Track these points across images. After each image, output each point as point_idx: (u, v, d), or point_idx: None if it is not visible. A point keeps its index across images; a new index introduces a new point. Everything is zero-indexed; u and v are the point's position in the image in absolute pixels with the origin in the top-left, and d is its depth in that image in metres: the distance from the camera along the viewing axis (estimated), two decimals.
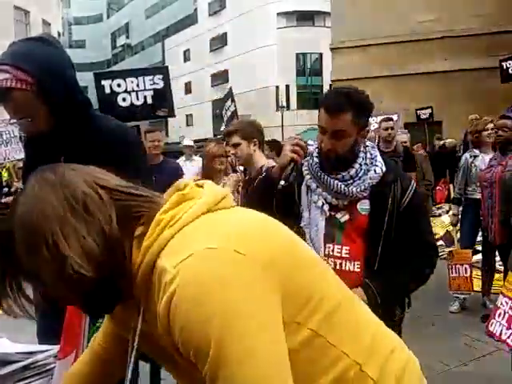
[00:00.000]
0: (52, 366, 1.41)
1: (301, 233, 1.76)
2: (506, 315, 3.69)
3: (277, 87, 31.29)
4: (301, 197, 1.82)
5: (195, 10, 39.03)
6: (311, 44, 29.77)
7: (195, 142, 8.50)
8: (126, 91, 3.95)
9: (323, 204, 1.76)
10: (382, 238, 1.70)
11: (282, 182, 1.69)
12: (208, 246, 0.75)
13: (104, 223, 0.80)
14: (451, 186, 6.35)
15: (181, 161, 6.11)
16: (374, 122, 6.19)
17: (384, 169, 1.77)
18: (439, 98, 11.80)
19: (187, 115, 37.59)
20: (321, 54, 29.68)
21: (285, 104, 28.62)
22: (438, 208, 7.70)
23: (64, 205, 0.80)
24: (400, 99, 12.52)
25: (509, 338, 3.58)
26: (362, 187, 1.73)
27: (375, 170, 1.76)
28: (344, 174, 1.76)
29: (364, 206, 1.74)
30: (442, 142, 9.21)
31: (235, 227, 0.82)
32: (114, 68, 51.53)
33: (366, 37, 13.04)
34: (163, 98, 4.06)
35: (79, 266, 0.76)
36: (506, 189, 3.85)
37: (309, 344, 0.81)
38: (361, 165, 1.77)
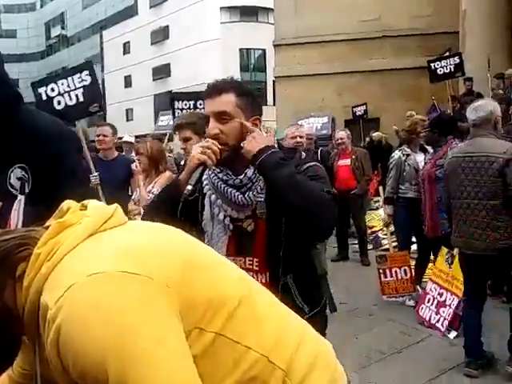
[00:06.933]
0: None
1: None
2: (435, 301, 3.93)
3: None
4: (204, 210, 1.61)
5: (135, 1, 37.97)
6: (255, 40, 29.86)
7: (136, 137, 8.28)
8: (59, 94, 3.99)
9: (225, 217, 1.56)
10: (283, 243, 1.50)
11: (189, 187, 1.48)
12: (90, 272, 0.71)
13: None
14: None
15: None
16: (305, 124, 6.33)
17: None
18: (377, 96, 12.26)
19: (127, 110, 36.57)
20: (264, 50, 29.85)
21: None
22: (376, 202, 7.96)
23: None
24: (341, 97, 12.88)
25: (437, 322, 3.83)
26: (259, 189, 1.52)
27: None
28: (241, 177, 1.53)
29: (260, 210, 1.53)
30: (367, 138, 9.49)
31: (123, 246, 0.78)
32: (50, 59, 49.26)
33: (308, 34, 13.26)
34: (93, 93, 4.09)
35: None
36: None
37: (213, 346, 0.80)
38: None
